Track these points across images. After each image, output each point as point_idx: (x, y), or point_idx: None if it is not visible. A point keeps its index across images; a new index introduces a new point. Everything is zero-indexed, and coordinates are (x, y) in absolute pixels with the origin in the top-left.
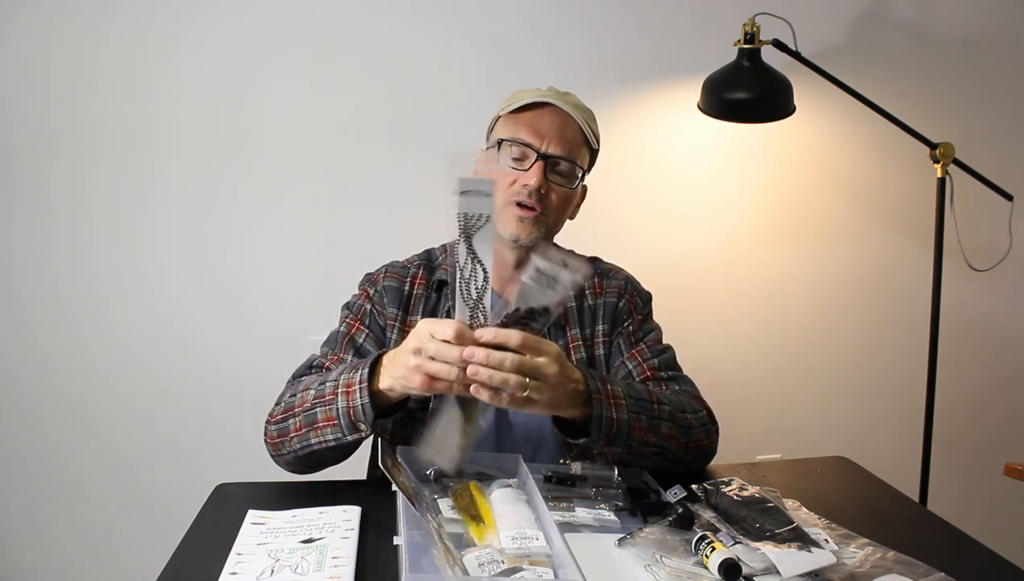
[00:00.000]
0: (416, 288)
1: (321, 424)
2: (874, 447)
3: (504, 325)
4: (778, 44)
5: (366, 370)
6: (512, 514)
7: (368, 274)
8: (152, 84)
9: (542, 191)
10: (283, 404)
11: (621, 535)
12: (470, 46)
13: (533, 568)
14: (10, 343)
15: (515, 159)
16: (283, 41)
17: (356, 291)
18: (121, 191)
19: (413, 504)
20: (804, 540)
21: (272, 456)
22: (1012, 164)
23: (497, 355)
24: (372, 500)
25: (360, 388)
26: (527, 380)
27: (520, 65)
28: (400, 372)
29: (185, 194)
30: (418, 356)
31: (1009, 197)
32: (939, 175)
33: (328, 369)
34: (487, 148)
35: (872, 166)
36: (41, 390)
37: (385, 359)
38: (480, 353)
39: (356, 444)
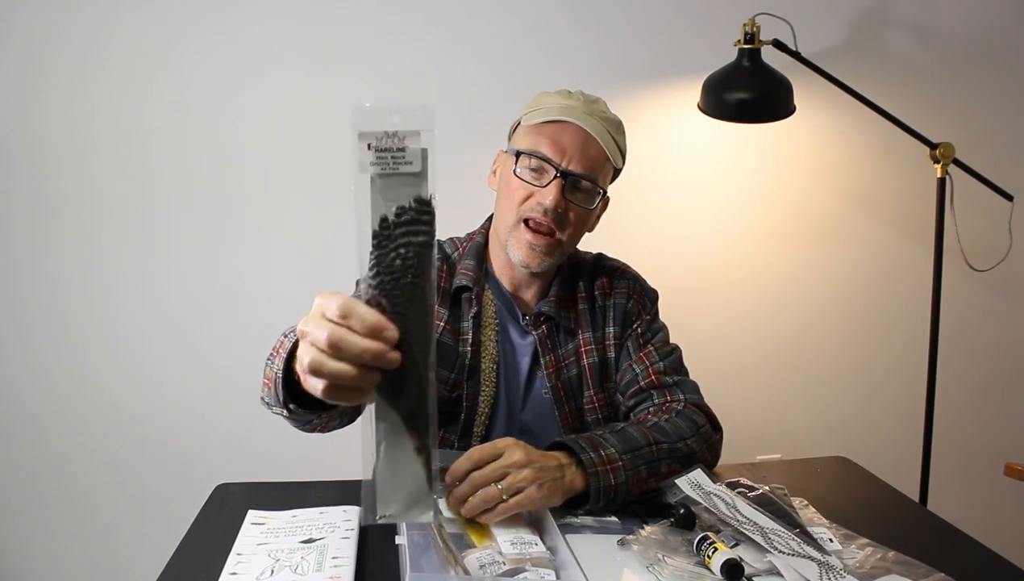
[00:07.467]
0: (442, 281)
1: (266, 379)
2: (874, 447)
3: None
4: (778, 44)
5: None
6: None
7: None
8: (150, 87)
9: (559, 210)
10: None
11: (622, 535)
12: (470, 46)
13: (535, 569)
14: (12, 345)
15: (532, 172)
16: (283, 44)
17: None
18: (121, 194)
19: None
20: (808, 541)
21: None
22: (1012, 164)
23: (460, 491)
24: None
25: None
26: (498, 486)
27: (519, 66)
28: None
29: (185, 197)
30: (310, 349)
31: (1009, 197)
32: (939, 175)
33: None
34: (506, 152)
35: (872, 166)
36: (42, 391)
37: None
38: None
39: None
